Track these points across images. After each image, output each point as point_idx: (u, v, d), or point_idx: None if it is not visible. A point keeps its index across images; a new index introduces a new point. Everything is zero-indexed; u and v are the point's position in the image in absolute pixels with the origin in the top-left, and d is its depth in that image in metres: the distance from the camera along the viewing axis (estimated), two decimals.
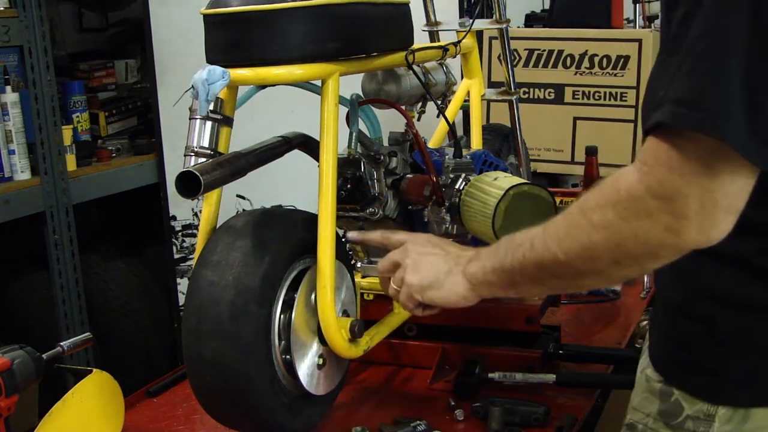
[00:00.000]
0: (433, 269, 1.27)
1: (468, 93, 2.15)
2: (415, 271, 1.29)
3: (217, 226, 1.49)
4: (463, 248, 1.30)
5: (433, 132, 2.09)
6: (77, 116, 3.10)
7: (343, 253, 1.56)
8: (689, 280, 1.05)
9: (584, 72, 3.25)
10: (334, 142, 1.42)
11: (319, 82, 1.44)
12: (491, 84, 3.18)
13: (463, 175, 1.68)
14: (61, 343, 1.51)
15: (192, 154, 1.34)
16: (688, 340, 1.11)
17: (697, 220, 0.91)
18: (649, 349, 1.19)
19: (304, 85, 1.56)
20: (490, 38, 3.31)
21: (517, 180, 1.64)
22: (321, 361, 1.47)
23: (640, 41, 3.19)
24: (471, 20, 2.00)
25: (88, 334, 1.63)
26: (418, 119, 1.88)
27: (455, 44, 1.91)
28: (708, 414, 1.08)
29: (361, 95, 1.71)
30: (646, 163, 0.94)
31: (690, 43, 0.91)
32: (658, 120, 0.92)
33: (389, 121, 1.73)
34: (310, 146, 1.58)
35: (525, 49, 3.32)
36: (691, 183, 0.90)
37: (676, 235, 0.93)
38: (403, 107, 1.72)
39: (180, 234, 3.17)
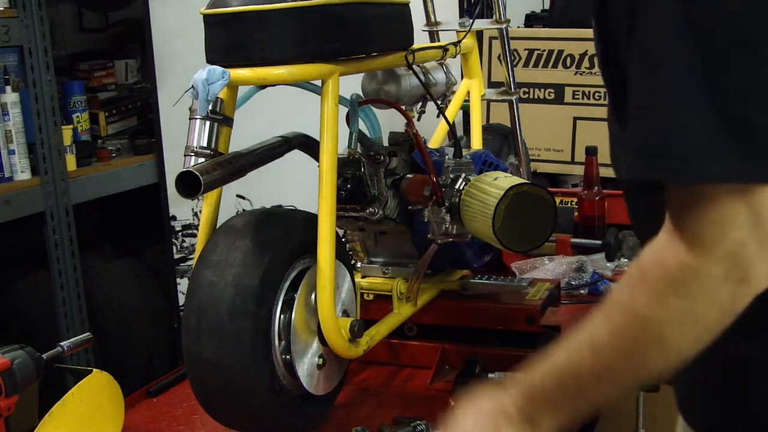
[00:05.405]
0: None
1: (468, 93, 2.15)
2: None
3: (217, 226, 1.49)
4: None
5: (433, 132, 2.09)
6: (77, 116, 3.10)
7: (343, 253, 1.56)
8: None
9: (584, 72, 3.25)
10: (334, 142, 1.42)
11: (319, 82, 1.44)
12: (491, 84, 3.18)
13: (463, 175, 1.68)
14: (61, 343, 1.51)
15: (192, 154, 1.34)
16: (726, 387, 1.01)
17: (760, 256, 0.85)
18: (679, 407, 1.08)
19: (304, 85, 1.56)
20: (490, 38, 3.30)
21: (517, 180, 1.64)
22: (321, 361, 1.47)
23: None
24: (471, 20, 2.00)
25: (88, 334, 1.62)
26: (418, 119, 1.88)
27: (455, 44, 1.91)
28: None
29: (361, 95, 1.71)
30: (683, 231, 0.86)
31: (647, 91, 0.86)
32: (658, 179, 0.86)
33: (389, 121, 1.73)
34: (310, 146, 1.58)
35: (525, 49, 3.32)
36: (734, 226, 0.84)
37: (748, 284, 0.86)
38: (403, 107, 1.72)
39: (180, 234, 3.16)
